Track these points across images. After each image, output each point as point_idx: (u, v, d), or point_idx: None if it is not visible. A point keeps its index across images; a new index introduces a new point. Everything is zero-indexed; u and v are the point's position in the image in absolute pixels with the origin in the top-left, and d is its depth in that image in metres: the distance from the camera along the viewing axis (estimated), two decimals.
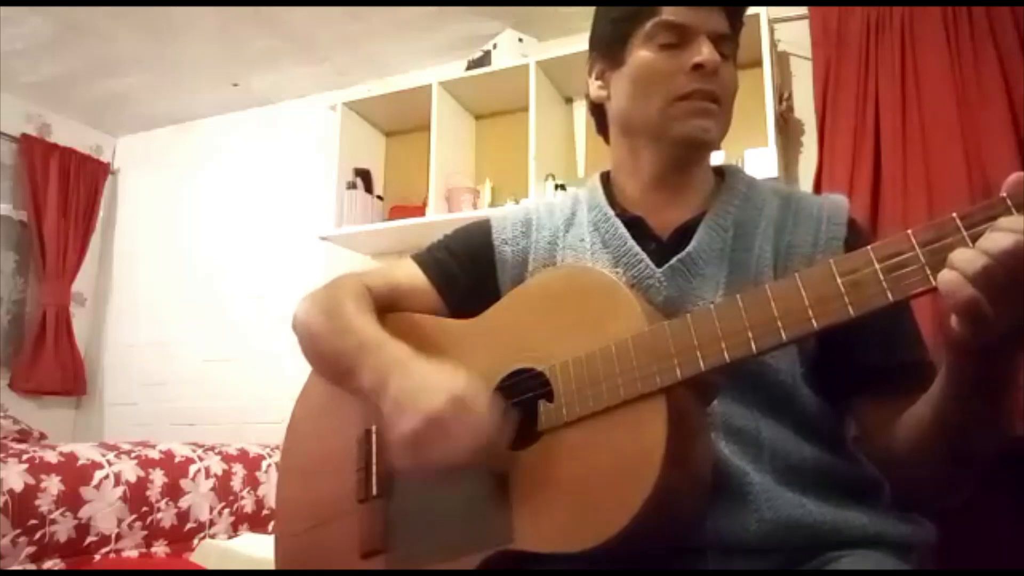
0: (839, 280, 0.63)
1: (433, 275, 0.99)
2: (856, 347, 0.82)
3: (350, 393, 0.89)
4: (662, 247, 0.89)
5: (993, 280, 0.56)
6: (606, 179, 1.00)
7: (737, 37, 0.92)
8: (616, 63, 0.93)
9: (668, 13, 0.88)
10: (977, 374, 0.67)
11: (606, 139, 1.01)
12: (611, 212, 0.93)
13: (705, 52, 0.86)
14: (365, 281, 0.98)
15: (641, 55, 0.90)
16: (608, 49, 0.94)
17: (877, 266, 0.61)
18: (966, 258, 0.57)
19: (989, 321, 0.58)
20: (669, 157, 0.91)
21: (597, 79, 0.97)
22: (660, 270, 0.86)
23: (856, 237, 0.87)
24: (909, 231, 0.61)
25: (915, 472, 0.79)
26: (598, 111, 1.00)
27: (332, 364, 0.91)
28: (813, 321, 0.64)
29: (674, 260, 0.86)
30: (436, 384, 0.76)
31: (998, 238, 0.56)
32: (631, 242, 0.89)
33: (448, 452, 0.74)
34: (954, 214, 0.59)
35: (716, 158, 1.01)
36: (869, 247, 0.62)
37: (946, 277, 0.58)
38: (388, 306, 0.97)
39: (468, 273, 0.99)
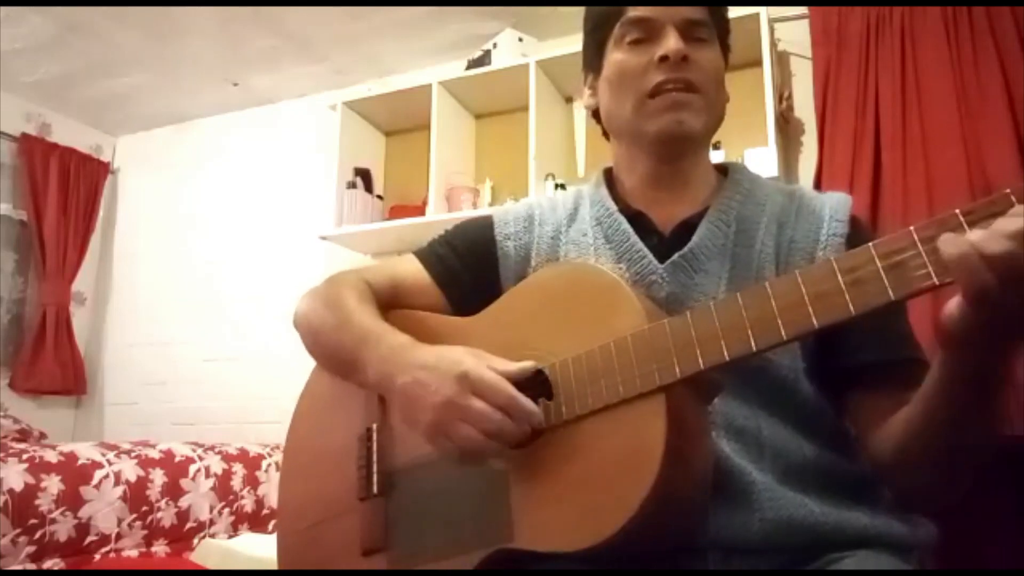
0: (840, 277, 0.62)
1: (435, 271, 0.99)
2: (850, 344, 0.82)
3: (356, 386, 0.89)
4: (664, 242, 0.89)
5: (1004, 260, 0.54)
6: (609, 175, 1.00)
7: (720, 19, 0.93)
8: (598, 70, 0.95)
9: (632, 10, 0.89)
10: (970, 366, 0.66)
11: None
12: (614, 207, 0.93)
13: (670, 43, 0.86)
14: (366, 277, 0.98)
15: (614, 57, 0.91)
16: (591, 58, 0.97)
17: (879, 264, 0.61)
18: (980, 236, 0.55)
19: (995, 302, 0.56)
20: (655, 154, 0.92)
21: (589, 89, 0.99)
22: (662, 266, 0.86)
23: (858, 234, 0.86)
24: (911, 228, 0.60)
25: (908, 469, 0.78)
26: (597, 117, 1.01)
27: (335, 358, 0.91)
28: (813, 319, 0.63)
29: (676, 256, 0.86)
30: (439, 368, 0.76)
31: (1009, 221, 0.55)
32: (634, 238, 0.89)
33: (473, 431, 0.73)
34: (957, 210, 0.59)
35: (716, 158, 1.01)
36: (871, 244, 0.62)
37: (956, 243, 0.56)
38: (389, 302, 0.97)
39: (470, 268, 0.99)
